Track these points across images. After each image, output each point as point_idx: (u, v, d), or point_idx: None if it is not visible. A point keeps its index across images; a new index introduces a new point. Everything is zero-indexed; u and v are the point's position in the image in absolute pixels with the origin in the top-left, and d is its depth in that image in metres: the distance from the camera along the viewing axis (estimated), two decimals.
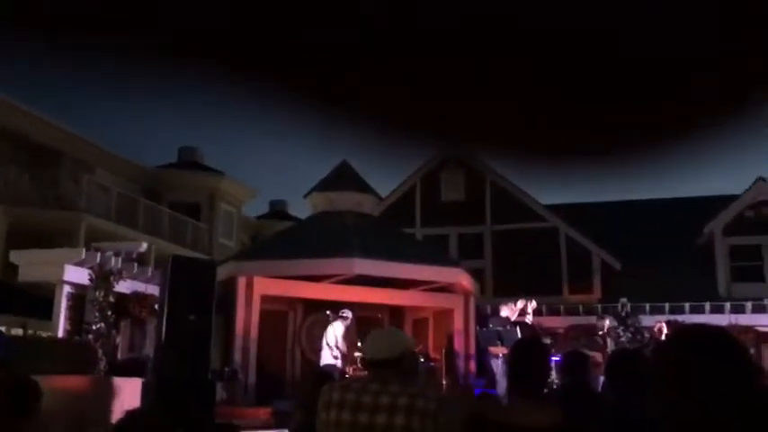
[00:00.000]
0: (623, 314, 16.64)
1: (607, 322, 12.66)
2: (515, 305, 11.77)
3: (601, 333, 12.40)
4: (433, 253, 16.54)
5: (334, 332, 12.03)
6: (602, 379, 8.02)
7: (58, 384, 9.09)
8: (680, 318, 17.11)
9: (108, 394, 9.28)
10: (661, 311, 18.49)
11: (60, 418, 4.13)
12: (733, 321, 17.59)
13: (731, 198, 23.28)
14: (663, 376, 1.47)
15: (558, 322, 18.88)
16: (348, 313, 12.26)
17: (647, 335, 15.92)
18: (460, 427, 2.68)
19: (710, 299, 20.00)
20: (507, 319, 11.56)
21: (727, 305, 19.59)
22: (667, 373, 1.46)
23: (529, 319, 11.82)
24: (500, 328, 11.36)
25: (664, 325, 12.77)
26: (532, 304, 11.94)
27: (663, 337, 12.46)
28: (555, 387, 6.91)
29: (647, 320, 17.17)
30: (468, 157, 25.48)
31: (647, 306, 18.67)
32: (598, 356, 11.28)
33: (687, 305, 19.16)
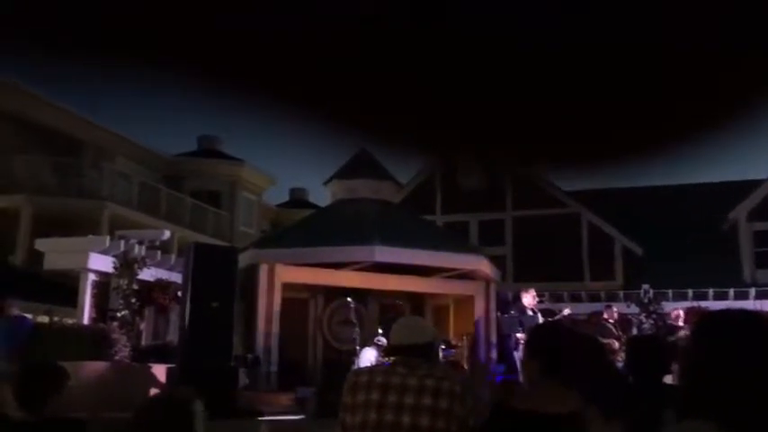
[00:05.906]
0: (646, 300, 16.49)
1: (615, 310, 13.21)
2: (530, 293, 11.74)
3: (611, 321, 12.45)
4: (454, 240, 16.50)
5: (368, 358, 11.04)
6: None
7: (83, 370, 9.24)
8: (703, 304, 16.95)
9: (132, 379, 9.40)
10: (684, 298, 18.33)
11: (85, 403, 4.19)
12: (757, 308, 17.39)
13: (756, 183, 22.97)
14: (699, 360, 1.46)
15: (580, 309, 18.78)
16: (383, 341, 11.17)
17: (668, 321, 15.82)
18: (487, 411, 2.68)
19: (734, 285, 19.79)
20: (525, 307, 11.54)
21: (752, 291, 19.39)
22: (703, 357, 1.45)
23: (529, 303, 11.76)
24: (522, 315, 11.36)
25: (681, 312, 12.84)
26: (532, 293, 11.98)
27: (680, 324, 12.51)
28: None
29: (670, 307, 17.03)
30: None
31: (670, 292, 18.50)
32: (613, 343, 11.33)
33: (711, 291, 18.97)
